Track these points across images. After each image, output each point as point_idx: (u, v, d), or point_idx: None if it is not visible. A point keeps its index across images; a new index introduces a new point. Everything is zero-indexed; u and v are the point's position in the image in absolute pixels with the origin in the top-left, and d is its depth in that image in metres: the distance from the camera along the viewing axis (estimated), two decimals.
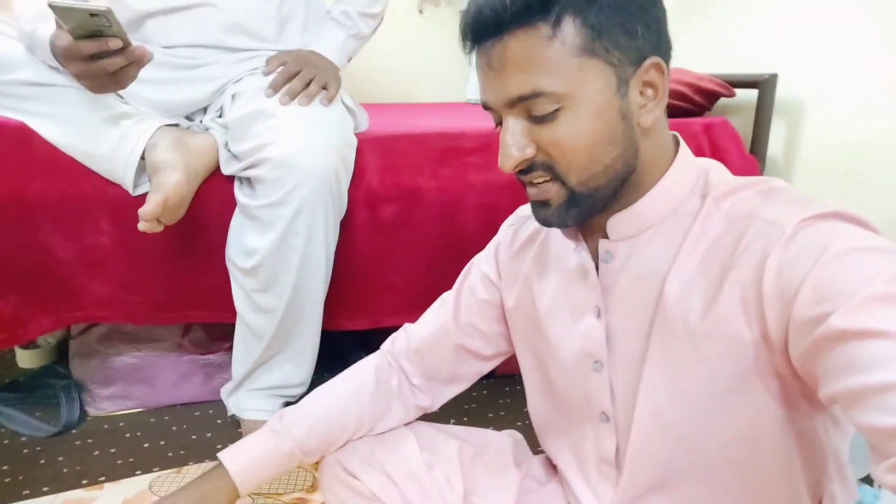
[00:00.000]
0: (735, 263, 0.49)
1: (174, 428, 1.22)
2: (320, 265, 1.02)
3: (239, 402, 1.11)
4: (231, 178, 1.04)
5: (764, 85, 1.37)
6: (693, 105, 1.42)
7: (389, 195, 1.09)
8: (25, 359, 1.43)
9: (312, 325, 1.07)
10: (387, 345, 0.82)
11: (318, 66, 1.06)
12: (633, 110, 0.52)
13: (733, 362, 0.50)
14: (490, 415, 1.28)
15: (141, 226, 0.91)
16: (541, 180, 0.53)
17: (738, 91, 1.44)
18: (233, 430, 1.18)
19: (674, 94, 1.41)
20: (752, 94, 1.41)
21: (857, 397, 0.38)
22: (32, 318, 1.02)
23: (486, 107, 0.55)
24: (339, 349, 1.52)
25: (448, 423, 0.92)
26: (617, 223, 0.57)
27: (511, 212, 0.83)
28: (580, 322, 0.62)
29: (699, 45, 1.70)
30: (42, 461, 1.11)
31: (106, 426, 1.22)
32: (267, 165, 0.94)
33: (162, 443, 1.17)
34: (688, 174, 0.56)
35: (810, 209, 0.47)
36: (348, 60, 1.20)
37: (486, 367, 0.81)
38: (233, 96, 1.06)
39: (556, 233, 0.67)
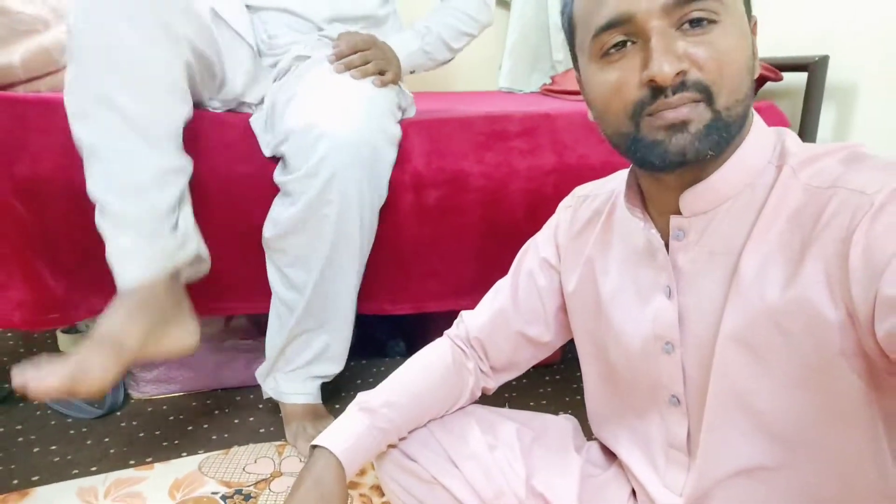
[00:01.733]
0: (818, 237, 0.47)
1: (216, 412, 1.23)
2: (353, 240, 1.00)
3: (277, 386, 1.10)
4: (272, 162, 1.04)
5: (814, 67, 1.33)
6: None
7: (435, 180, 1.07)
8: (67, 343, 1.46)
9: (346, 301, 1.05)
10: (452, 331, 0.81)
11: (384, 53, 1.08)
12: (754, 53, 0.52)
13: (816, 341, 0.47)
14: (531, 403, 1.27)
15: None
16: (690, 101, 0.48)
17: (786, 74, 1.40)
18: (274, 414, 1.19)
19: None
20: (801, 77, 1.37)
21: None
22: (84, 299, 1.03)
23: (618, 21, 0.49)
24: (373, 335, 1.51)
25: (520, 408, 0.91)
26: (691, 197, 0.54)
27: (556, 198, 0.80)
28: (649, 304, 0.60)
29: None
30: (89, 441, 1.13)
31: (150, 409, 1.24)
32: (299, 134, 0.94)
33: (206, 426, 1.18)
34: (765, 143, 0.54)
35: None
36: (411, 72, 1.20)
37: (542, 355, 0.80)
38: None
39: (620, 212, 0.66)
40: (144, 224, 0.87)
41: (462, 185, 1.10)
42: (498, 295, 0.78)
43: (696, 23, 0.48)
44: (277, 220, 1.00)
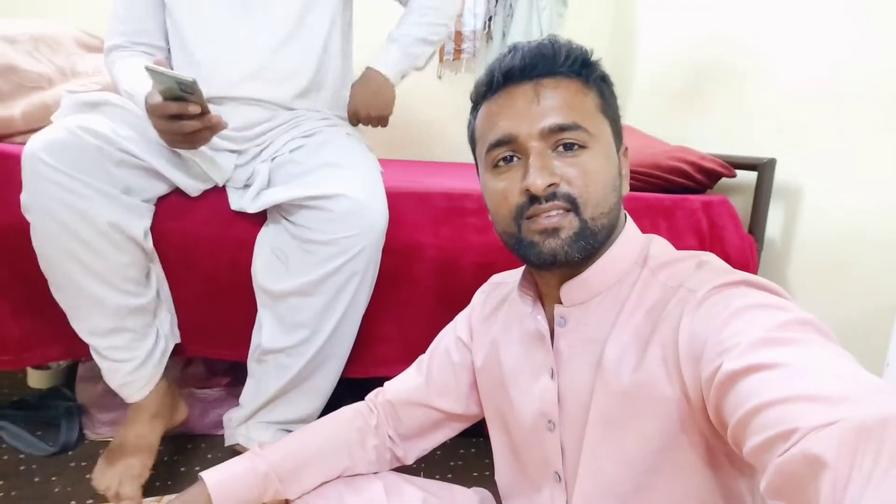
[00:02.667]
0: (659, 326, 0.54)
1: (165, 458, 1.26)
2: (360, 309, 1.07)
3: (249, 433, 1.12)
4: (255, 218, 1.10)
5: (763, 168, 1.42)
6: (694, 182, 1.47)
7: (391, 248, 1.14)
8: (35, 379, 1.49)
9: (338, 364, 1.10)
10: (370, 395, 0.86)
11: (384, 97, 1.28)
12: (621, 174, 0.62)
13: (661, 420, 0.53)
14: (475, 473, 1.28)
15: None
16: (560, 210, 0.57)
17: (740, 173, 1.49)
18: None
19: (676, 171, 1.46)
20: (753, 175, 1.45)
21: (742, 428, 0.41)
22: (39, 344, 1.08)
23: (505, 140, 0.59)
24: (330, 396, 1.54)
25: (434, 478, 0.94)
26: (569, 289, 0.62)
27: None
28: (537, 383, 0.66)
29: (703, 126, 1.76)
30: (36, 479, 1.15)
31: (101, 451, 1.25)
32: (344, 201, 1.00)
33: (151, 472, 1.20)
34: (633, 245, 0.62)
35: (724, 278, 0.52)
36: (402, 78, 1.31)
37: (453, 431, 0.84)
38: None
39: (518, 299, 0.72)
40: (132, 352, 1.02)
41: (417, 255, 1.17)
42: (416, 368, 0.85)
43: (568, 147, 0.58)
44: (295, 276, 1.02)
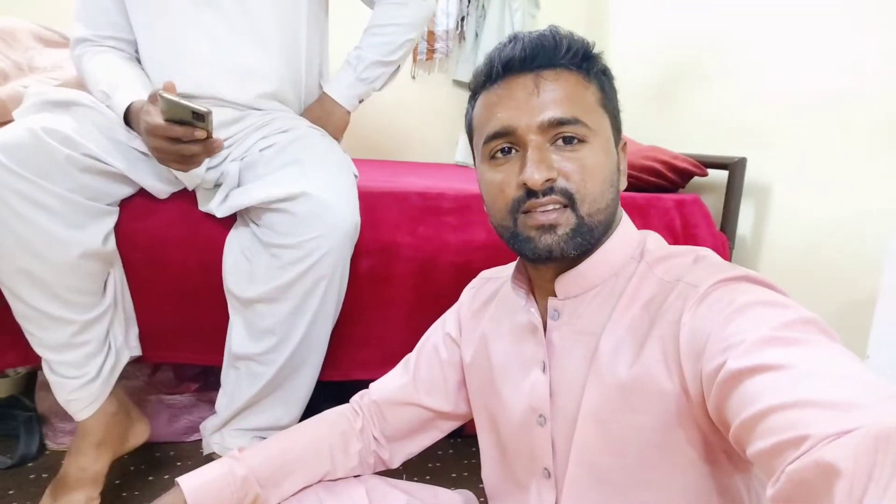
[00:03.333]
0: (658, 320, 0.54)
1: (132, 468, 1.21)
2: (330, 315, 1.04)
3: (223, 441, 1.08)
4: (224, 219, 1.06)
5: (733, 167, 1.44)
6: (667, 182, 1.48)
7: (368, 248, 1.12)
8: None
9: (312, 369, 1.07)
10: (356, 397, 0.84)
11: (324, 128, 1.20)
12: (619, 170, 0.61)
13: (658, 414, 0.53)
14: (454, 475, 1.27)
15: None
16: (557, 205, 0.56)
17: (712, 172, 1.51)
18: None
19: (649, 171, 1.47)
20: (724, 174, 1.48)
21: (747, 430, 0.41)
22: None
23: (503, 132, 0.58)
24: (309, 401, 1.51)
25: (412, 480, 0.92)
26: (564, 282, 0.61)
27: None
28: (528, 377, 0.65)
29: (675, 126, 1.79)
30: None
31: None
32: (307, 202, 0.96)
33: (117, 482, 1.16)
34: (629, 240, 0.62)
35: (725, 273, 0.52)
36: (359, 102, 1.26)
37: (440, 432, 0.82)
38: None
39: (510, 292, 0.71)
40: (80, 369, 0.97)
41: (394, 255, 1.15)
42: (403, 367, 0.82)
43: (567, 141, 0.57)
44: (261, 281, 0.98)
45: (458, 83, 2.24)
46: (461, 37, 2.19)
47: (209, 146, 0.90)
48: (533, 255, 0.58)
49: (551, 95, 0.57)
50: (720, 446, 0.52)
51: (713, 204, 1.50)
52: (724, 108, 1.59)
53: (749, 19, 1.52)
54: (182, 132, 0.87)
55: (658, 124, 1.84)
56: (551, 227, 0.56)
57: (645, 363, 0.53)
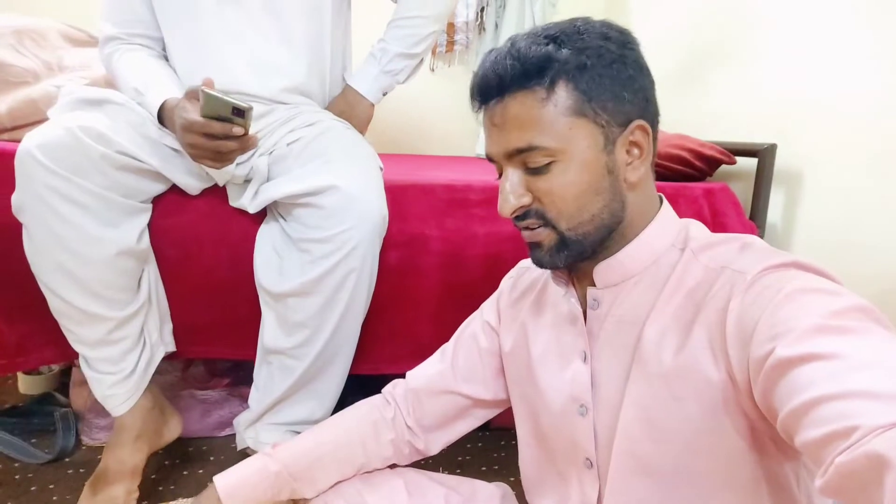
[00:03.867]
0: (704, 308, 0.53)
1: (167, 462, 1.23)
2: (361, 307, 1.04)
3: (257, 436, 1.08)
4: (255, 214, 1.06)
5: (763, 154, 1.41)
6: (694, 170, 1.46)
7: (395, 241, 1.12)
8: (27, 384, 1.45)
9: (344, 363, 1.07)
10: (388, 387, 0.84)
11: (348, 121, 1.20)
12: (620, 166, 0.58)
13: (704, 402, 0.52)
14: (483, 468, 1.27)
15: None
16: (535, 226, 0.59)
17: (740, 159, 1.48)
18: (227, 466, 1.18)
19: (675, 159, 1.45)
20: (753, 161, 1.45)
21: (798, 418, 0.40)
22: (36, 348, 1.04)
23: (490, 159, 0.61)
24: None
25: (440, 472, 0.92)
26: (602, 271, 0.61)
27: (513, 263, 0.87)
28: (568, 367, 0.64)
29: (702, 113, 1.76)
30: (33, 488, 1.12)
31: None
32: (335, 195, 0.96)
33: (153, 476, 1.17)
34: (669, 228, 0.61)
35: (773, 259, 0.51)
36: (383, 95, 1.27)
37: (481, 416, 0.82)
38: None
39: (550, 281, 0.71)
40: (116, 364, 0.99)
41: (423, 247, 1.15)
42: (440, 355, 0.82)
43: (533, 165, 0.57)
44: (292, 276, 0.99)
45: None
46: (481, 28, 2.18)
47: (245, 143, 0.91)
48: (537, 265, 0.62)
49: (511, 124, 0.57)
50: (768, 434, 0.51)
51: (742, 191, 1.48)
52: (752, 92, 1.56)
53: (775, 2, 1.48)
54: (220, 128, 0.87)
55: (684, 110, 1.81)
56: (537, 245, 0.60)
57: (691, 351, 0.53)
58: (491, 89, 0.57)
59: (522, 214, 0.59)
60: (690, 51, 1.83)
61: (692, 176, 1.47)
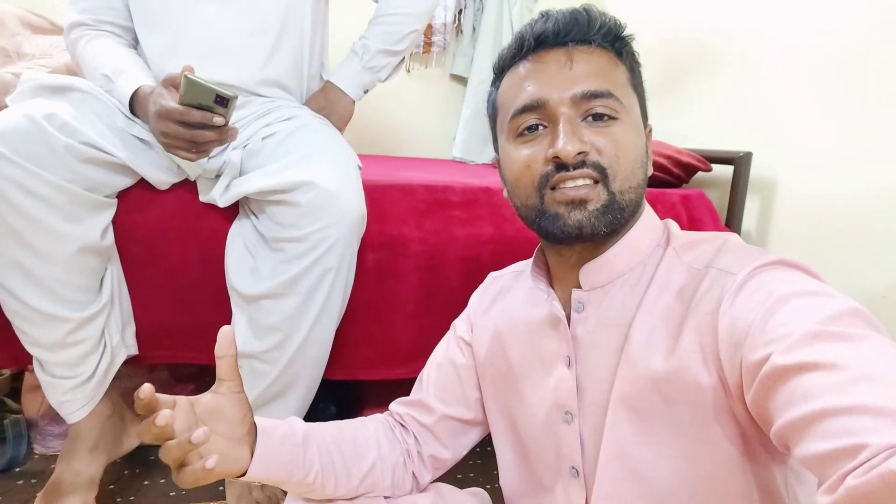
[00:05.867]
0: (693, 310, 0.52)
1: (126, 472, 1.17)
2: (336, 309, 0.99)
3: None
4: (227, 211, 1.02)
5: (738, 162, 1.43)
6: (672, 177, 1.47)
7: (373, 243, 1.09)
8: None
9: (318, 368, 1.02)
10: (384, 415, 0.79)
11: (328, 118, 1.17)
12: (647, 153, 0.60)
13: (695, 407, 0.51)
14: (459, 476, 1.24)
15: None
16: (588, 180, 0.55)
17: (715, 166, 1.50)
18: None
19: (653, 166, 1.46)
20: (729, 169, 1.47)
21: (799, 430, 0.39)
22: None
23: (533, 105, 0.57)
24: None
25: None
26: (589, 271, 0.59)
27: (493, 266, 0.86)
28: (551, 373, 0.62)
29: (679, 121, 1.78)
30: None
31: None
32: (311, 191, 0.91)
33: (111, 487, 1.11)
34: (654, 227, 0.60)
35: (760, 259, 0.50)
36: (364, 92, 1.25)
37: (475, 437, 0.78)
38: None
39: (527, 286, 0.69)
40: (74, 369, 0.92)
41: (401, 249, 1.12)
42: (418, 385, 0.79)
43: (598, 117, 0.55)
44: (264, 277, 0.94)
45: (455, 77, 2.21)
46: (458, 30, 2.16)
47: (223, 134, 0.87)
48: (561, 232, 0.56)
49: (584, 69, 0.56)
50: (758, 439, 0.50)
51: (717, 198, 1.49)
52: (728, 101, 1.58)
53: (751, 10, 1.51)
54: (199, 117, 0.83)
55: (661, 119, 1.82)
56: (581, 203, 0.55)
57: (681, 355, 0.51)
58: (568, 34, 0.57)
59: (578, 164, 0.54)
60: (667, 61, 1.86)
61: (669, 182, 1.48)
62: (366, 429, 0.72)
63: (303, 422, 0.68)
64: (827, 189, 1.27)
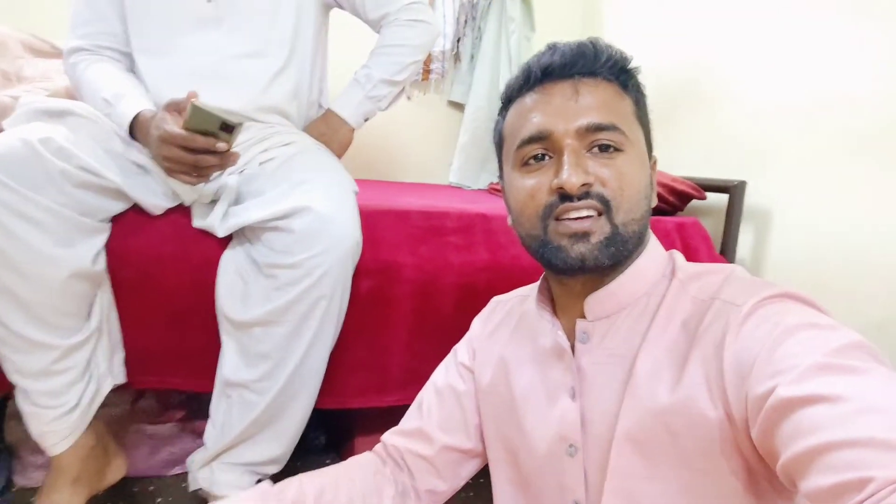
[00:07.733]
0: (698, 342, 0.51)
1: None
2: (329, 337, 0.98)
3: (212, 476, 1.00)
4: (222, 240, 1.01)
5: (733, 191, 1.44)
6: (667, 204, 1.47)
7: (367, 269, 1.07)
8: None
9: (309, 397, 1.00)
10: (377, 447, 0.78)
11: (328, 145, 1.17)
12: (652, 185, 0.60)
13: (700, 440, 0.50)
14: (461, 494, 1.21)
15: None
16: (592, 211, 0.55)
17: (710, 195, 1.50)
18: None
19: None
20: (724, 197, 1.47)
21: (804, 463, 0.39)
22: None
23: (539, 137, 0.57)
24: None
25: None
26: (594, 302, 0.58)
27: (488, 293, 0.85)
28: (556, 405, 0.61)
29: (675, 149, 1.79)
30: None
31: (33, 499, 1.12)
32: (306, 217, 0.91)
33: None
34: (659, 259, 0.60)
35: (765, 291, 0.50)
36: (365, 121, 1.26)
37: (472, 468, 0.76)
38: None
39: (532, 314, 0.68)
40: (58, 398, 0.90)
41: (395, 275, 1.10)
42: (417, 411, 0.77)
43: (603, 148, 0.55)
44: (256, 304, 0.93)
45: (452, 104, 2.23)
46: (457, 58, 2.19)
47: (226, 159, 0.87)
48: (564, 264, 0.56)
49: (590, 101, 0.56)
50: (763, 474, 0.49)
51: (712, 227, 1.50)
52: (723, 130, 1.60)
53: (746, 41, 1.53)
54: (203, 143, 0.84)
55: (657, 147, 1.83)
56: (584, 235, 0.55)
57: (687, 388, 0.51)
58: (574, 66, 0.57)
59: (582, 195, 0.55)
60: (663, 91, 1.87)
61: (664, 210, 1.48)
62: (352, 483, 0.69)
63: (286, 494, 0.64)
64: (821, 219, 1.27)
